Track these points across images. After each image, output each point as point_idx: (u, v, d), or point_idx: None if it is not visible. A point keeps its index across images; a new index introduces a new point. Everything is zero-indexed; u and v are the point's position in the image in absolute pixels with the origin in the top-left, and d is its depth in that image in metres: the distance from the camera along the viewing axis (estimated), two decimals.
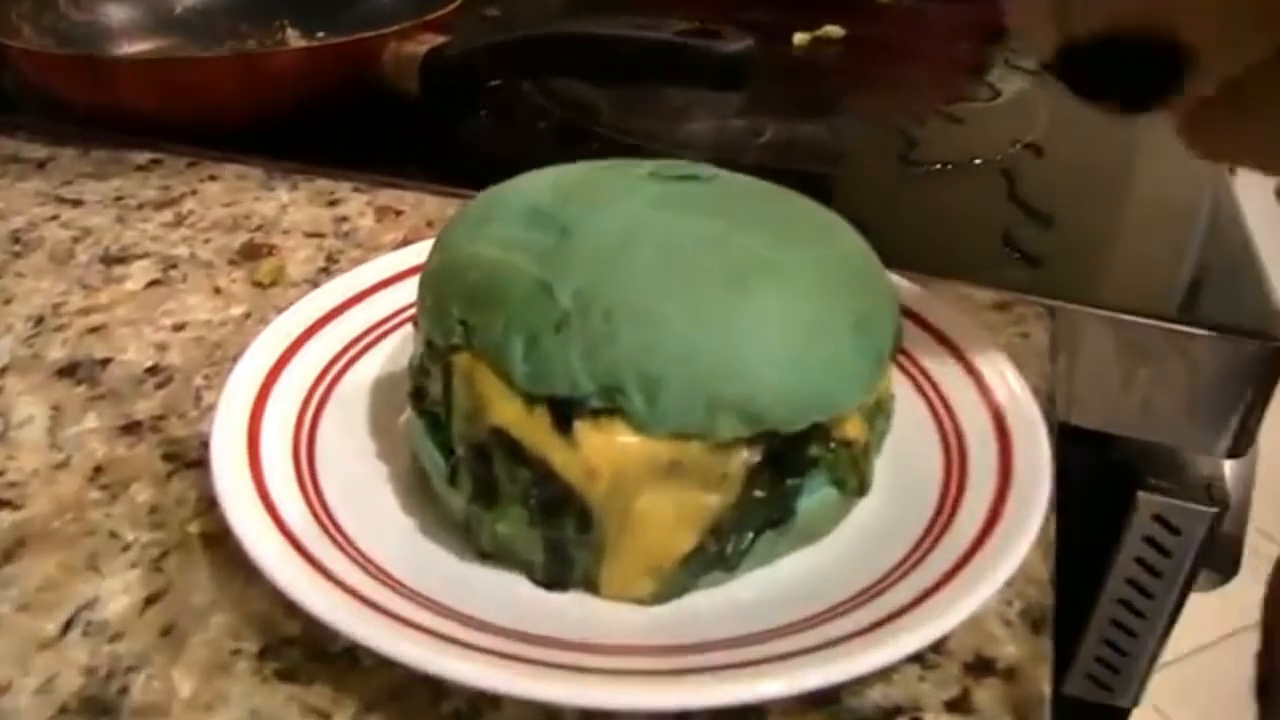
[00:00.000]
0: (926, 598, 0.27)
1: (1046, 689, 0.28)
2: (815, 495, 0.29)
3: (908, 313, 0.37)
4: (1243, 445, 0.49)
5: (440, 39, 0.59)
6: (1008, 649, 0.29)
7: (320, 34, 0.73)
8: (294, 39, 0.73)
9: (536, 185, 0.31)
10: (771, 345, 0.27)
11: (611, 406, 0.26)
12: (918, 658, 0.28)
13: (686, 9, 0.72)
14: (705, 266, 0.27)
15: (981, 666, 0.28)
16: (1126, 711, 0.58)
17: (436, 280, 0.30)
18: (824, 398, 0.28)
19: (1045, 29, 0.27)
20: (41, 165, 0.56)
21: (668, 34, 0.52)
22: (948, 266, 0.47)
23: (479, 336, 0.28)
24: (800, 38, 0.82)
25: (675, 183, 0.31)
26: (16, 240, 0.49)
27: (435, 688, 0.27)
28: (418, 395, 0.31)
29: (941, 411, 0.35)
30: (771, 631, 0.27)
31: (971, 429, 0.33)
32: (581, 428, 0.27)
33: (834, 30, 0.83)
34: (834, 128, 0.67)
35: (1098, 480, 0.51)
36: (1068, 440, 0.45)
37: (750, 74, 0.52)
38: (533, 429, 0.27)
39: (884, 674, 0.27)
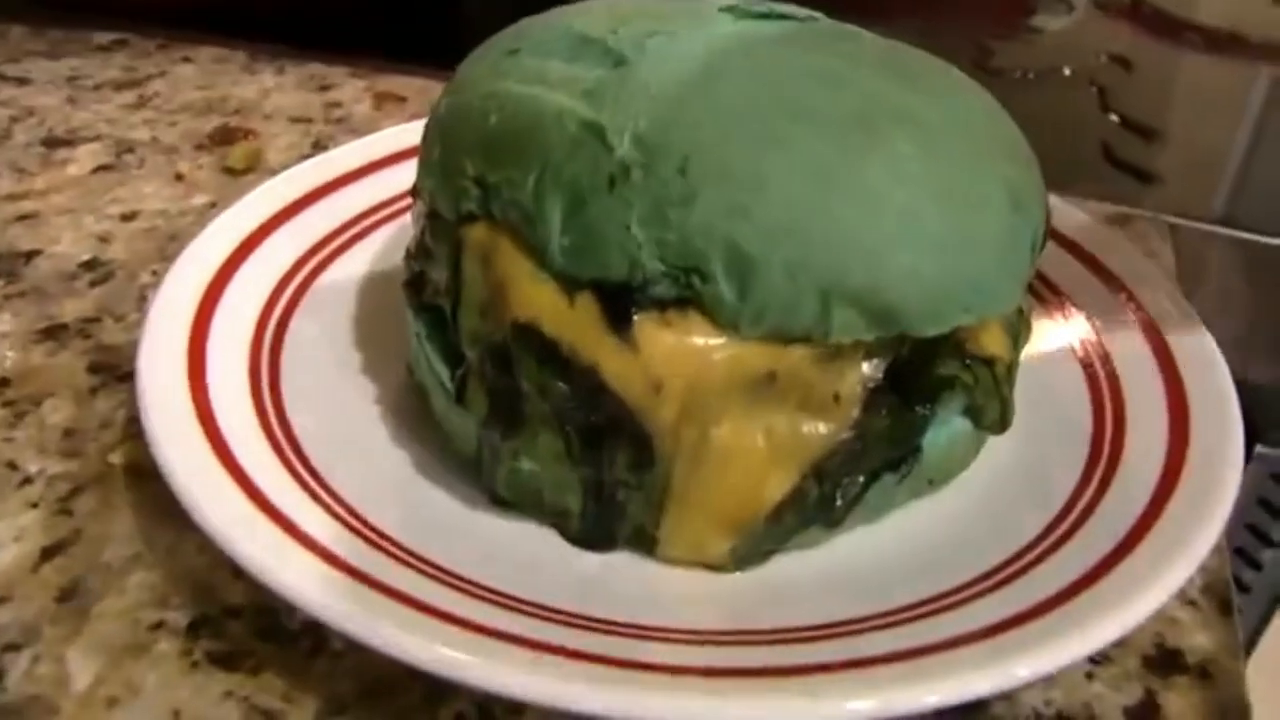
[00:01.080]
0: (1099, 576, 0.20)
1: (1247, 690, 0.21)
2: (946, 428, 0.22)
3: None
4: None
5: None
6: (1196, 638, 0.22)
7: None
8: None
9: (584, 10, 0.23)
10: (907, 218, 0.19)
11: (686, 295, 0.19)
12: None
13: None
14: (817, 109, 0.20)
15: (1167, 661, 0.21)
16: None
17: (445, 128, 0.22)
18: (973, 293, 0.20)
19: None
20: None
21: None
22: (1048, 180, 0.40)
23: (502, 200, 0.20)
24: None
25: (764, 20, 0.23)
26: None
27: (429, 683, 0.19)
28: (415, 285, 0.23)
29: (1087, 337, 0.27)
30: (890, 614, 0.20)
31: (1125, 360, 0.26)
32: (643, 324, 0.19)
33: None
34: (901, 35, 0.59)
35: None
36: None
37: None
38: (574, 325, 0.19)
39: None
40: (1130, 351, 0.26)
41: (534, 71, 0.21)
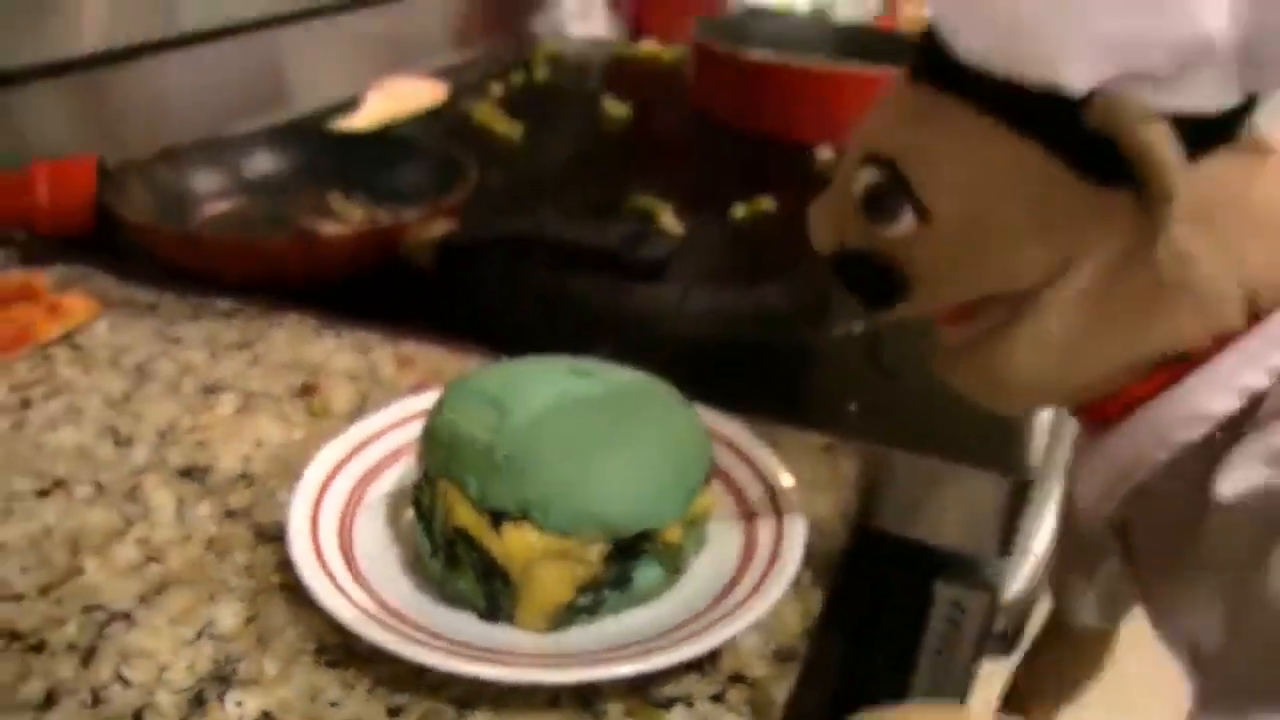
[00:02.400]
0: (705, 631, 0.47)
1: (780, 698, 0.48)
2: (647, 572, 0.49)
3: (735, 449, 0.57)
4: (1007, 547, 0.68)
5: (449, 225, 0.80)
6: (758, 670, 0.49)
7: (359, 197, 0.95)
8: (336, 200, 0.94)
9: (491, 378, 0.51)
10: (613, 486, 0.47)
11: (523, 518, 0.47)
12: (699, 667, 0.48)
13: (649, 185, 0.94)
14: (580, 439, 0.48)
15: (738, 678, 0.48)
16: None
17: (429, 436, 0.50)
18: (648, 518, 0.48)
19: (829, 236, 0.46)
20: (151, 308, 0.77)
21: (611, 240, 0.72)
22: (808, 414, 0.67)
23: (449, 472, 0.48)
24: (739, 210, 1.02)
25: (576, 378, 0.51)
26: (140, 370, 0.69)
27: (413, 667, 0.46)
28: (416, 503, 0.51)
29: (746, 516, 0.55)
30: (613, 649, 0.47)
31: (763, 528, 0.53)
32: (507, 528, 0.47)
33: (767, 203, 1.04)
34: (759, 294, 0.87)
35: (908, 573, 0.71)
36: (888, 544, 0.65)
37: (663, 273, 0.72)
38: (478, 527, 0.47)
39: (675, 676, 0.47)
40: (767, 524, 0.54)
41: (465, 412, 0.49)
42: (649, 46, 1.67)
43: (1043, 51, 0.37)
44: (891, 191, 0.42)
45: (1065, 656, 0.72)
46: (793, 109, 1.23)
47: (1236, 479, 0.39)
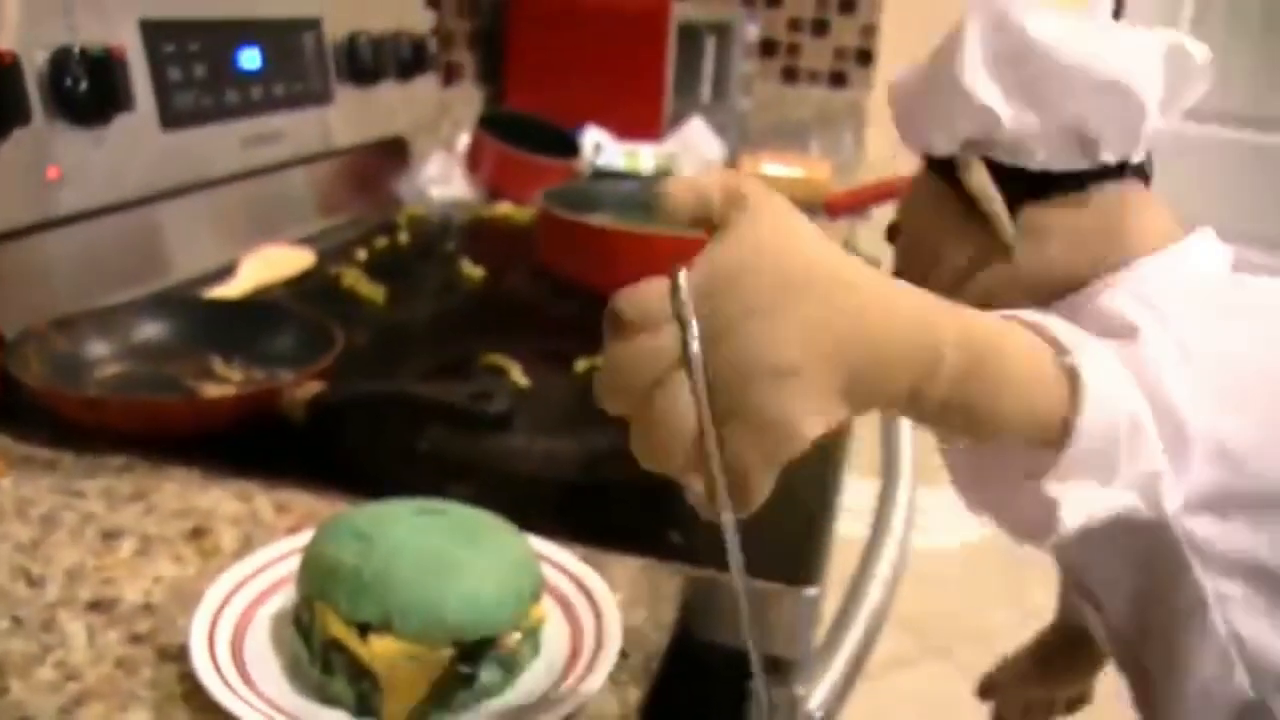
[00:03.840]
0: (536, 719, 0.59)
1: None
2: (488, 673, 0.61)
3: (565, 571, 0.69)
4: (808, 650, 0.81)
5: (320, 386, 0.92)
6: None
7: (236, 360, 1.06)
8: (218, 365, 1.05)
9: (358, 515, 0.63)
10: (457, 600, 0.59)
11: (385, 627, 0.58)
12: None
13: (500, 342, 1.07)
14: (430, 562, 0.60)
15: None
16: None
17: (305, 565, 0.62)
18: (485, 626, 0.59)
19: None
20: (51, 465, 0.87)
21: (460, 398, 0.85)
22: (634, 542, 0.80)
23: (326, 592, 0.59)
24: (580, 364, 1.16)
25: (428, 515, 0.63)
26: (46, 520, 0.79)
27: None
28: (297, 621, 0.62)
29: (575, 625, 0.67)
30: None
31: (588, 635, 0.66)
32: (372, 637, 0.58)
33: None
34: (595, 439, 1.00)
35: (725, 673, 0.83)
36: (709, 649, 0.77)
37: (509, 425, 0.85)
38: (348, 638, 0.58)
39: None
40: (590, 631, 0.66)
41: (336, 542, 0.61)
42: (504, 208, 1.81)
43: (924, 131, 0.67)
44: (895, 224, 0.75)
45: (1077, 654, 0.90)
46: (631, 270, 1.37)
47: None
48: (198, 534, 0.78)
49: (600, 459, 0.96)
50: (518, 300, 1.44)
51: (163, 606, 0.69)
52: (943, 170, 0.68)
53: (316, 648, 0.60)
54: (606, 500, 0.90)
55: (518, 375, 1.10)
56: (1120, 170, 0.64)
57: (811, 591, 0.78)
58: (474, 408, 0.84)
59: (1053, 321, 0.50)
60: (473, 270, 1.46)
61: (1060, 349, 0.49)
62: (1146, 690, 0.70)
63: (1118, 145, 0.63)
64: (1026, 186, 0.65)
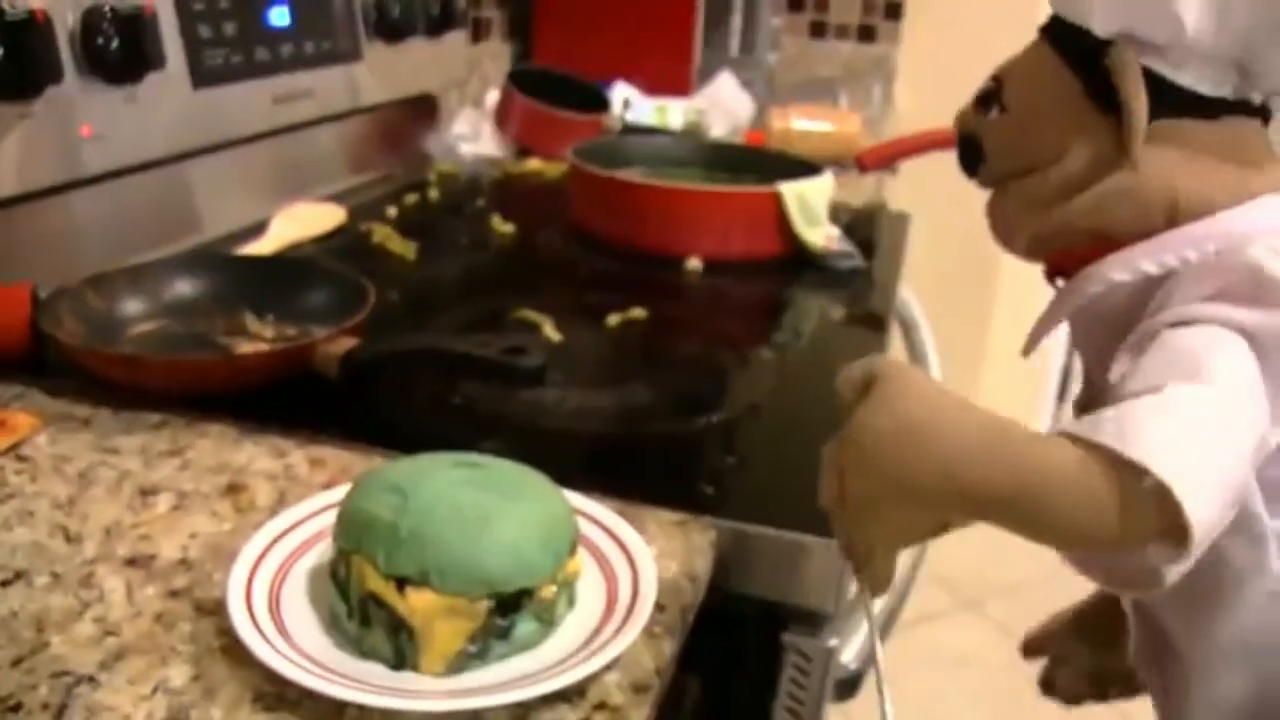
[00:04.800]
0: (572, 670, 0.58)
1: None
2: (525, 626, 0.61)
3: (599, 524, 0.69)
4: (841, 604, 0.81)
5: (353, 341, 0.92)
6: (618, 699, 0.60)
7: (269, 317, 1.05)
8: (250, 322, 1.05)
9: (394, 470, 0.63)
10: (494, 553, 0.59)
11: (423, 581, 0.58)
12: (569, 699, 0.59)
13: (532, 297, 1.06)
14: (467, 516, 0.59)
15: (601, 706, 0.59)
16: None
17: (342, 520, 0.62)
18: (523, 578, 0.59)
19: (962, 125, 0.71)
20: (87, 422, 0.87)
21: (493, 351, 0.84)
22: (668, 496, 0.80)
23: (363, 547, 0.59)
24: (613, 319, 1.15)
25: (464, 468, 0.63)
26: (82, 477, 0.79)
27: (335, 707, 0.57)
28: (334, 574, 0.62)
29: (609, 578, 0.66)
30: (498, 685, 0.58)
31: (623, 587, 0.65)
32: (409, 590, 0.58)
33: (639, 312, 1.16)
34: (628, 393, 1.00)
35: (760, 626, 0.83)
36: (744, 602, 0.77)
37: (543, 379, 0.84)
38: (387, 591, 0.58)
39: (550, 705, 0.58)
40: (625, 584, 0.65)
41: (372, 498, 0.61)
42: (534, 164, 1.80)
43: (1089, 5, 0.61)
44: (992, 93, 0.67)
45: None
46: (661, 225, 1.37)
47: (1114, 371, 0.59)
48: (233, 490, 0.78)
49: (633, 413, 0.96)
50: (549, 256, 1.44)
51: (199, 562, 0.69)
52: (1079, 58, 0.63)
53: (354, 602, 0.60)
54: (639, 454, 0.90)
55: (550, 330, 1.09)
56: (1256, 110, 0.62)
57: None
58: (508, 362, 0.83)
59: (1107, 430, 0.52)
60: (503, 226, 1.45)
61: (1133, 469, 0.50)
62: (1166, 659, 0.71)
63: (1272, 84, 0.61)
64: (1161, 99, 0.61)
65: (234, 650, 0.60)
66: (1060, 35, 0.64)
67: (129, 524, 0.73)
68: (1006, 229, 0.70)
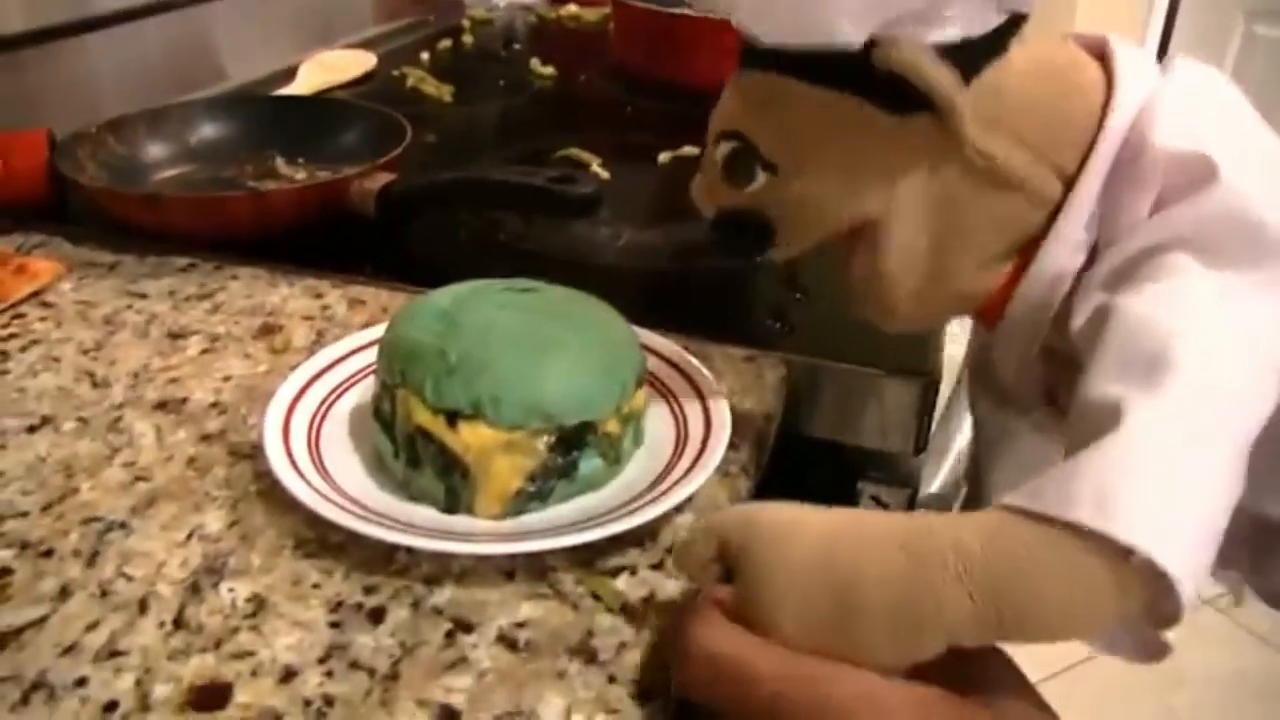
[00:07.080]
0: (643, 510, 0.53)
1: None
2: (589, 463, 0.55)
3: (665, 358, 0.63)
4: (922, 444, 0.75)
5: (389, 176, 0.86)
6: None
7: (300, 160, 0.99)
8: (281, 165, 0.99)
9: (441, 296, 0.57)
10: (555, 381, 0.53)
11: (476, 414, 0.52)
12: (640, 542, 0.54)
13: (577, 138, 0.99)
14: (524, 341, 0.54)
15: (673, 550, 0.54)
16: None
17: (386, 349, 0.56)
18: (587, 409, 0.54)
19: (707, 204, 0.54)
20: (112, 268, 0.82)
21: (540, 180, 0.78)
22: (733, 333, 0.74)
23: (409, 378, 0.54)
24: (664, 156, 1.08)
25: (517, 292, 0.57)
26: (108, 322, 0.74)
27: (382, 552, 0.52)
28: (377, 412, 0.57)
29: (678, 416, 0.61)
30: (560, 527, 0.53)
31: (693, 425, 0.60)
32: (461, 425, 0.52)
33: (691, 150, 1.09)
34: (685, 230, 0.93)
35: (834, 474, 0.78)
36: (815, 447, 0.71)
37: (597, 207, 0.78)
38: (435, 425, 0.53)
39: (620, 549, 0.53)
40: (697, 422, 0.60)
41: (420, 325, 0.55)
42: (571, 8, 1.71)
43: (817, 18, 0.45)
44: (743, 156, 0.50)
45: None
46: (710, 58, 1.29)
47: (1082, 310, 0.46)
48: (267, 331, 0.73)
49: (691, 249, 0.90)
50: (593, 97, 1.36)
51: (233, 405, 0.64)
52: (842, 74, 0.47)
53: (400, 440, 0.55)
54: (700, 291, 0.84)
55: (599, 168, 1.02)
56: (1024, 17, 0.49)
57: (923, 382, 0.71)
58: (558, 189, 0.77)
59: (1083, 508, 0.39)
60: (543, 69, 1.38)
61: (1116, 548, 0.38)
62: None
63: None
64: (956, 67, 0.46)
65: (272, 494, 0.55)
66: (801, 62, 0.48)
67: (158, 368, 0.68)
68: (881, 309, 0.53)
